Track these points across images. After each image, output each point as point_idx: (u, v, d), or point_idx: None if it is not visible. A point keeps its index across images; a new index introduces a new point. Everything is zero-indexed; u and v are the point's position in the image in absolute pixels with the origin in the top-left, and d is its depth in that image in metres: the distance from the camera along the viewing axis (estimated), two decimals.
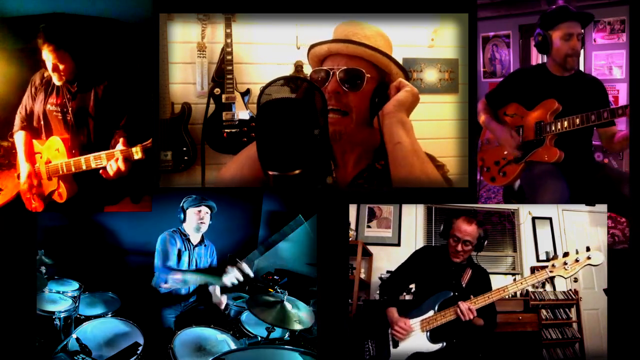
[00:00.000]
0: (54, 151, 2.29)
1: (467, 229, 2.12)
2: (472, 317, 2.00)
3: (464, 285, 2.12)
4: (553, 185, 2.35)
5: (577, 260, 2.03)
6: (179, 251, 2.37)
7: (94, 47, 2.26)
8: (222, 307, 2.38)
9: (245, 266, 2.27)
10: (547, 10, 2.45)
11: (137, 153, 2.12)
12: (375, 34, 1.75)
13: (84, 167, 2.21)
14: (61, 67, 2.21)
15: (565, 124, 2.35)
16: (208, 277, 2.35)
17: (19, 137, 2.35)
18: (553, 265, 2.05)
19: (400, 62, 2.46)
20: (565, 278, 2.09)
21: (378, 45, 1.72)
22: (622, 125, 2.45)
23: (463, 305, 2.01)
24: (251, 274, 2.27)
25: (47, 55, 2.19)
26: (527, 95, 2.47)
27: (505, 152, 2.51)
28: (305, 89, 1.49)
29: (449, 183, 1.92)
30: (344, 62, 1.71)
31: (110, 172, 2.13)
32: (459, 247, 2.12)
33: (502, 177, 2.52)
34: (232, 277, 2.25)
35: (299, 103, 1.44)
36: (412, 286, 2.25)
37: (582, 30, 2.38)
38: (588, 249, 2.04)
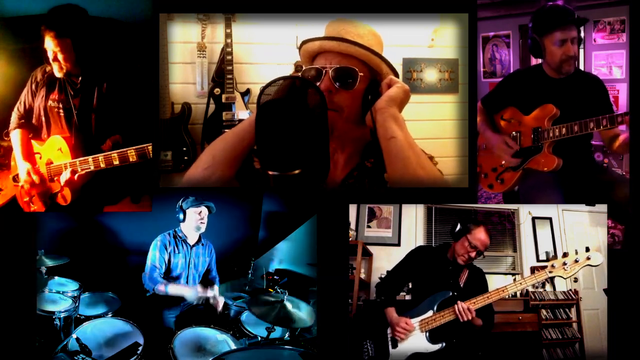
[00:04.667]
0: (55, 151, 2.22)
1: (486, 241, 2.13)
2: (470, 317, 2.00)
3: (462, 285, 2.11)
4: (548, 197, 2.33)
5: (576, 261, 2.03)
6: (170, 255, 2.39)
7: (95, 43, 2.21)
8: (219, 308, 2.39)
9: (215, 295, 2.38)
10: (542, 7, 2.36)
11: (132, 156, 2.11)
12: (367, 33, 1.74)
13: (91, 168, 2.15)
14: (61, 56, 2.14)
15: (564, 130, 2.28)
16: (185, 293, 2.37)
17: (15, 136, 2.27)
18: (552, 266, 2.05)
19: (400, 62, 2.48)
20: (565, 278, 2.09)
21: (370, 44, 1.71)
22: (624, 126, 2.37)
23: (461, 305, 2.01)
24: (217, 308, 2.39)
25: (49, 44, 2.13)
26: (524, 99, 2.41)
27: (504, 162, 2.47)
28: (288, 86, 1.46)
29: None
30: (337, 60, 1.70)
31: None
32: (473, 254, 2.13)
33: (500, 185, 2.48)
34: (201, 298, 2.37)
35: (282, 103, 1.42)
36: (410, 286, 2.25)
37: (578, 32, 2.29)
38: (587, 250, 2.04)
